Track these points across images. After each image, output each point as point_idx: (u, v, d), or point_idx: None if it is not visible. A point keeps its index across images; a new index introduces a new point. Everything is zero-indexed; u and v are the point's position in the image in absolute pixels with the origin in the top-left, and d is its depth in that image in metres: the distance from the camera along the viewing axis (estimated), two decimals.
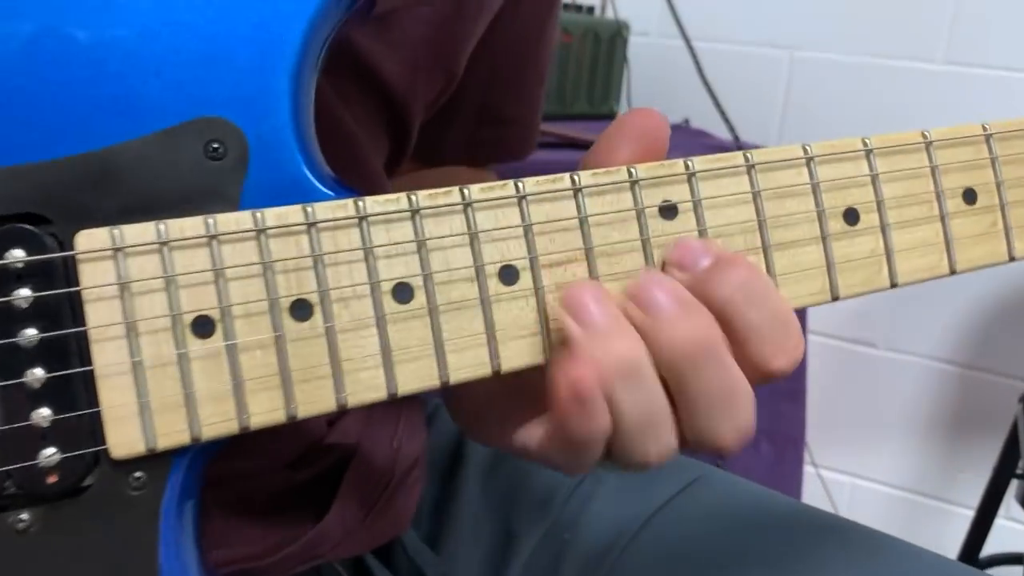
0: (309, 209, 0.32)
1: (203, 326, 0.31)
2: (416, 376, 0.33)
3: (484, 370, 0.33)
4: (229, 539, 0.41)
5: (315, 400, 0.32)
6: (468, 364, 0.33)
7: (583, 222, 0.35)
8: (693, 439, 0.33)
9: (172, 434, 0.30)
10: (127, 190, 0.31)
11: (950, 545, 1.42)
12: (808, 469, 1.21)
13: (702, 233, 0.36)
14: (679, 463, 0.59)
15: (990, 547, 1.33)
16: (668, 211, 0.36)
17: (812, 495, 1.58)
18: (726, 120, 1.36)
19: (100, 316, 0.30)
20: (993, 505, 1.27)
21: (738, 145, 1.33)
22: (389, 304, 0.32)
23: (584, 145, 1.20)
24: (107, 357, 0.30)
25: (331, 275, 0.32)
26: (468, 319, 0.33)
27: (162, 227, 0.30)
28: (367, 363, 0.32)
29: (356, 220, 0.32)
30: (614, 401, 0.32)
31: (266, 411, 0.31)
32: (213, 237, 0.31)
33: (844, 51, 1.53)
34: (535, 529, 0.57)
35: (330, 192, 0.33)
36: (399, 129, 0.51)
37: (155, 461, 0.31)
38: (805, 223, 0.38)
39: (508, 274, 0.34)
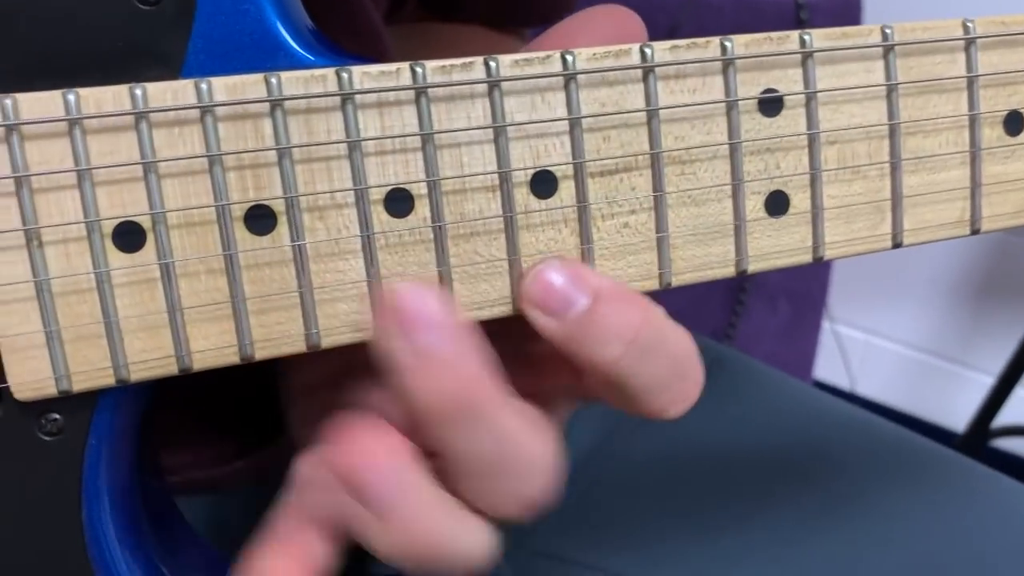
0: (274, 80, 0.23)
1: (129, 236, 0.23)
2: None
3: (503, 308, 0.26)
4: (176, 439, 0.35)
5: (278, 338, 0.24)
6: (481, 299, 0.25)
7: (652, 116, 0.26)
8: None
9: (91, 375, 0.23)
10: (24, 43, 0.23)
11: (961, 411, 1.37)
12: (822, 324, 1.13)
13: (812, 140, 0.27)
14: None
15: (1005, 417, 1.27)
16: (770, 105, 0.27)
17: (824, 351, 1.51)
18: None
19: None
20: (1015, 374, 1.19)
21: None
22: (380, 217, 0.24)
23: None
24: (1, 272, 0.22)
25: (302, 175, 0.24)
26: (485, 242, 0.25)
27: (71, 98, 0.22)
28: (348, 292, 0.24)
29: (339, 100, 0.24)
30: None
31: (214, 349, 0.24)
32: (142, 116, 0.23)
33: None
34: None
35: (309, 56, 0.24)
36: None
37: (74, 400, 0.24)
38: (951, 130, 0.28)
39: (544, 183, 0.25)
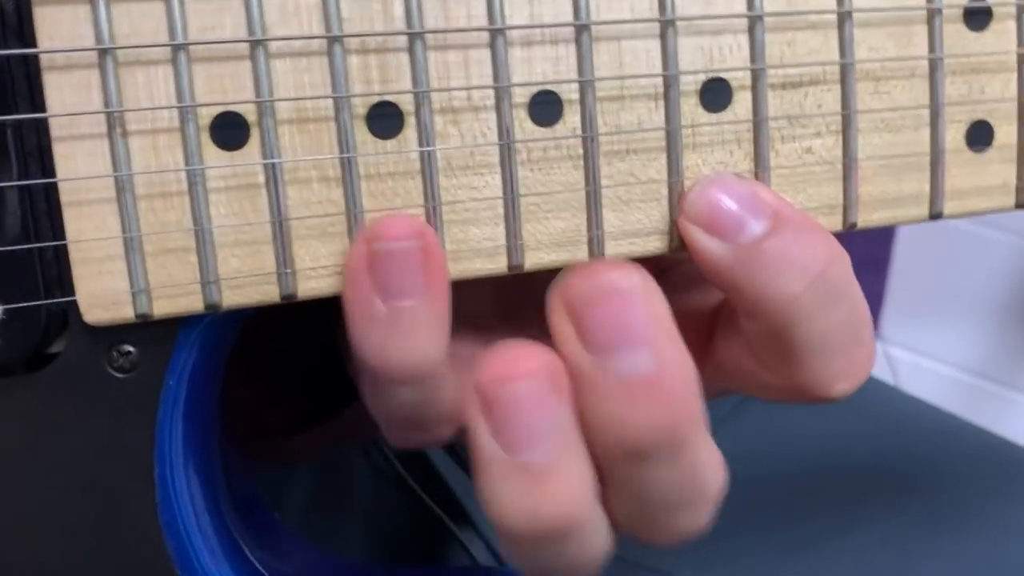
0: None
1: (230, 130, 0.19)
2: (554, 241, 0.21)
3: (657, 242, 0.22)
4: (247, 405, 0.31)
5: None
6: (633, 231, 0.21)
7: (844, 19, 0.21)
8: None
9: (176, 296, 0.19)
10: None
11: (1011, 435, 1.31)
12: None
13: (1021, 59, 0.23)
14: None
15: None
16: (977, 16, 0.22)
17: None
18: None
19: (65, 99, 0.18)
20: None
21: None
22: (523, 125, 0.20)
23: None
24: (75, 166, 0.19)
25: (435, 68, 0.20)
26: (642, 161, 0.21)
27: None
28: (481, 214, 0.20)
29: None
30: None
31: (323, 270, 0.20)
32: None
33: None
34: None
35: None
36: None
37: (151, 331, 0.20)
38: None
39: (716, 93, 0.21)
